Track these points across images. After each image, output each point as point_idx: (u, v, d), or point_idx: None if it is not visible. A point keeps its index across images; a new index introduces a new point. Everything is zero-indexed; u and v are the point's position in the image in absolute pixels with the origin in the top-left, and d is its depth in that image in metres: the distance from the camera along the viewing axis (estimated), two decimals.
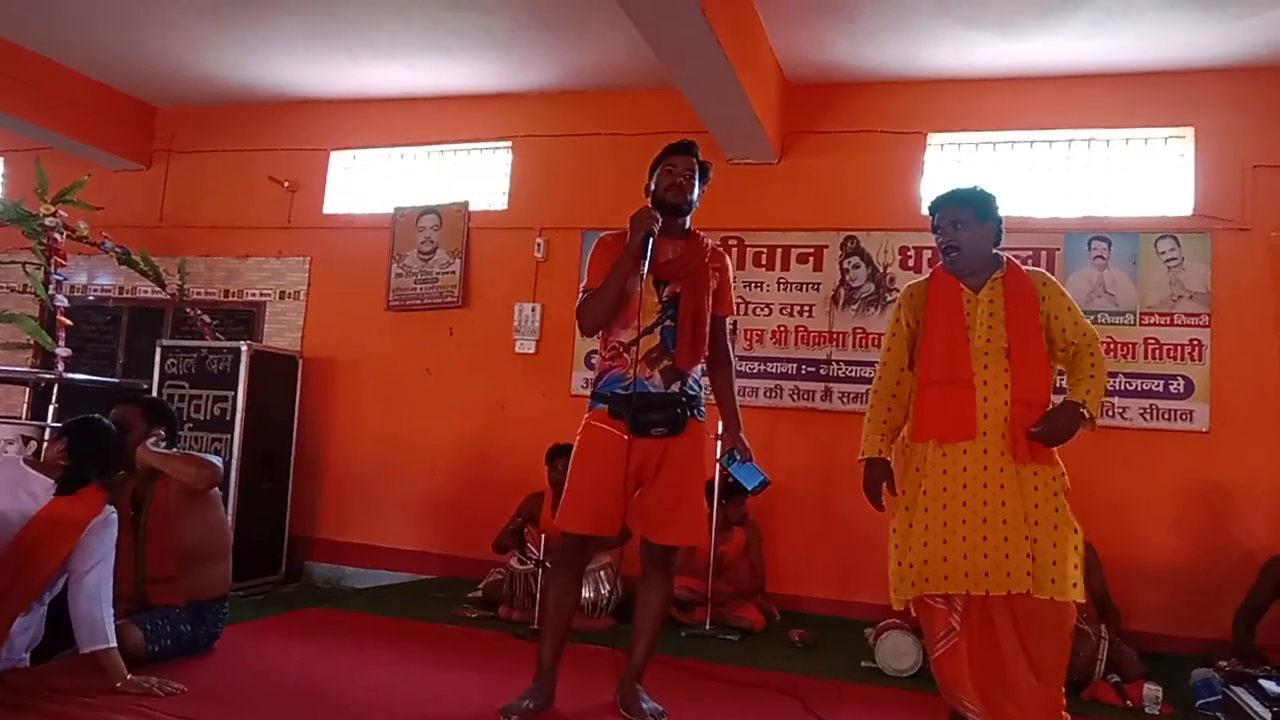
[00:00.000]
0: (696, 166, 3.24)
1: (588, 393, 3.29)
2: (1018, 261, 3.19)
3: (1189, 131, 5.47)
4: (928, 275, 3.26)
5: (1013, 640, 2.88)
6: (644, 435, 3.10)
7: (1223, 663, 3.55)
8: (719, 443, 3.49)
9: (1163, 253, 5.34)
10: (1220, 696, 3.13)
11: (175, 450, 3.84)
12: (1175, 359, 5.23)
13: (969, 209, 3.11)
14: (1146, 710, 3.74)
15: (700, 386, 3.26)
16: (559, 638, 3.21)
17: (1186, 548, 4.80)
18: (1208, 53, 5.22)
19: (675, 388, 3.15)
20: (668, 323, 3.15)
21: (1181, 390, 5.18)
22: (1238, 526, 4.98)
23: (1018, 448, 2.91)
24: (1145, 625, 4.79)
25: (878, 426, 3.16)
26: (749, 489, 3.29)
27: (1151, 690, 3.79)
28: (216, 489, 3.80)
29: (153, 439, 3.72)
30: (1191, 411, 5.12)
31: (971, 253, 3.10)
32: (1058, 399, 2.98)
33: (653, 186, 3.25)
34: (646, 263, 3.08)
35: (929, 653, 3.07)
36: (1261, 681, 2.85)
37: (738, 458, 3.29)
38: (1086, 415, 2.95)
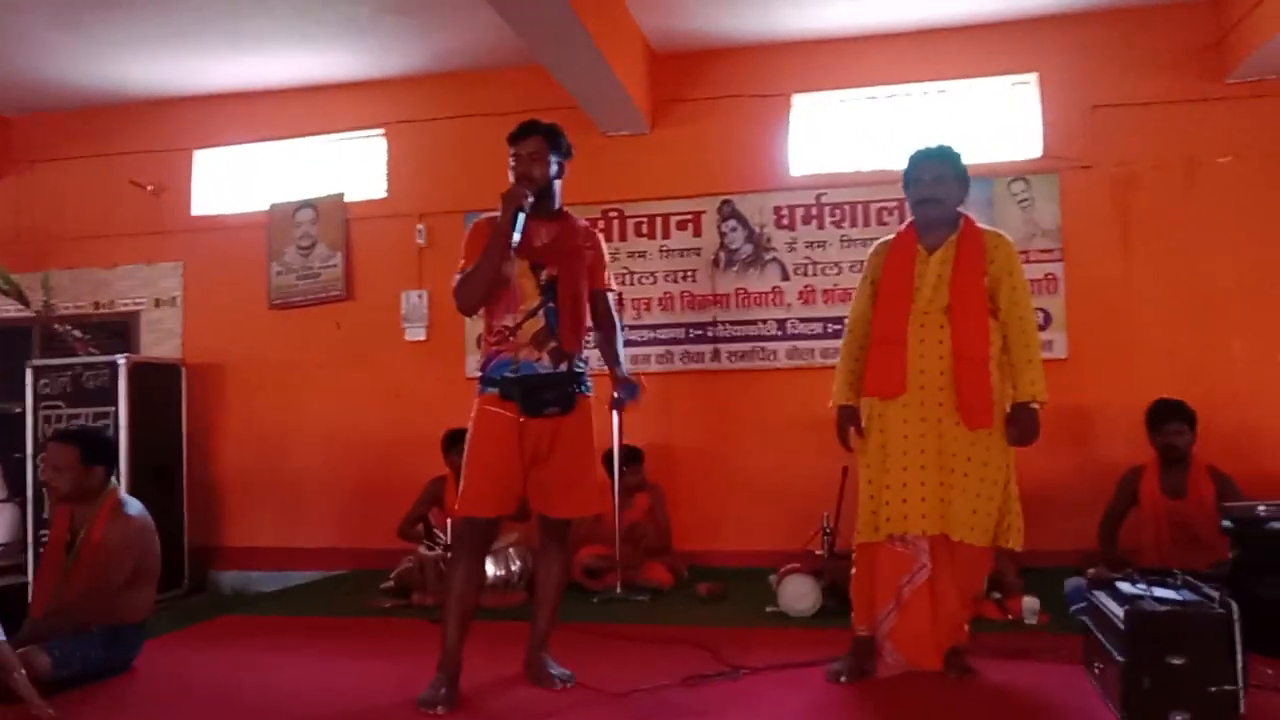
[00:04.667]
0: (544, 142, 3.24)
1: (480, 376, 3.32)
2: (975, 220, 3.32)
3: (1033, 77, 5.77)
4: (894, 234, 3.40)
5: (948, 573, 3.24)
6: (537, 415, 3.16)
7: (1091, 570, 3.83)
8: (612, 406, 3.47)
9: (1015, 194, 5.64)
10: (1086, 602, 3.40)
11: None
12: (1033, 293, 5.41)
13: (948, 164, 3.26)
14: (1026, 621, 4.04)
15: (586, 363, 3.32)
16: (466, 623, 3.20)
17: (1054, 467, 5.14)
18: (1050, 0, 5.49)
19: (563, 366, 3.22)
20: (550, 304, 3.21)
21: (1041, 322, 5.45)
22: (1099, 444, 5.37)
23: (959, 403, 3.14)
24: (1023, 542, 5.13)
25: (845, 376, 3.39)
26: (629, 399, 3.33)
27: (1030, 602, 4.10)
28: (150, 522, 3.70)
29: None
30: (1051, 341, 5.43)
31: (947, 207, 3.25)
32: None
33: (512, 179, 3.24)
34: (517, 234, 3.12)
35: (888, 598, 3.27)
36: (1119, 584, 3.10)
37: (619, 396, 3.35)
38: (1038, 406, 3.20)
